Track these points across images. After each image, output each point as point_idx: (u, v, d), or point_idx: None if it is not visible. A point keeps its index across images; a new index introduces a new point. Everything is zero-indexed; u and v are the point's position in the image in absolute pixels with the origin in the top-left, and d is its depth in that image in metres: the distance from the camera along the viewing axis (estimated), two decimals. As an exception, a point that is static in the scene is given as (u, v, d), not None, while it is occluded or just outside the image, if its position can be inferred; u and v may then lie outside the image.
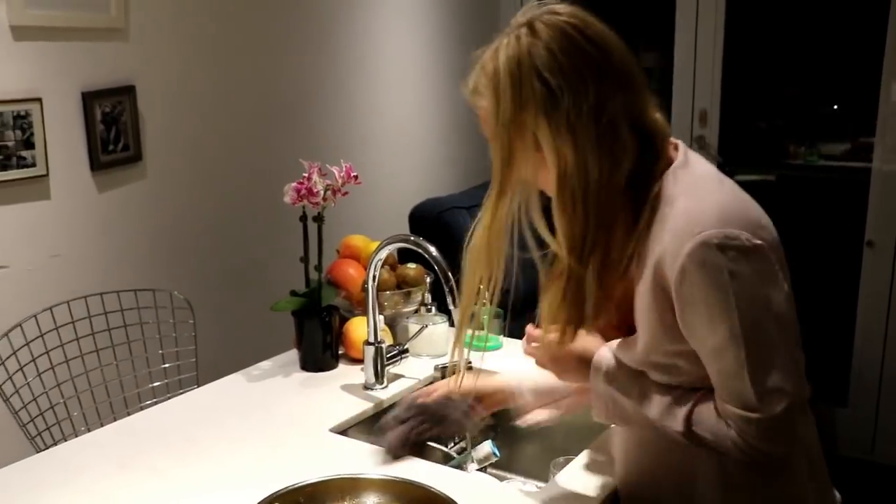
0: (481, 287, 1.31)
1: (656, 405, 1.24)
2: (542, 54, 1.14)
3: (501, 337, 2.13)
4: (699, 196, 1.16)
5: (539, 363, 1.41)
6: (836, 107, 4.47)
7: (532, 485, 1.70)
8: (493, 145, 1.22)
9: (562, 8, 1.19)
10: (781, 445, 1.18)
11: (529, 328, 1.41)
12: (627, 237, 1.21)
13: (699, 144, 3.75)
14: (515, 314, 1.56)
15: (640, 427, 1.32)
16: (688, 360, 1.21)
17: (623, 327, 1.31)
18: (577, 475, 1.49)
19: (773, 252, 1.15)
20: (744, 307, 1.11)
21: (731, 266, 1.10)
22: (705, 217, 1.12)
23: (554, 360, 1.37)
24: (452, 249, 2.28)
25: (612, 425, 1.47)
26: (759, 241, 1.12)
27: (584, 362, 1.33)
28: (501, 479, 1.78)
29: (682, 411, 1.21)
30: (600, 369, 1.31)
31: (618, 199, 1.18)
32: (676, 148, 1.25)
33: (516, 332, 1.77)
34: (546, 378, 1.47)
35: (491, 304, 1.37)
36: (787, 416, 1.15)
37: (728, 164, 3.70)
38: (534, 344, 1.39)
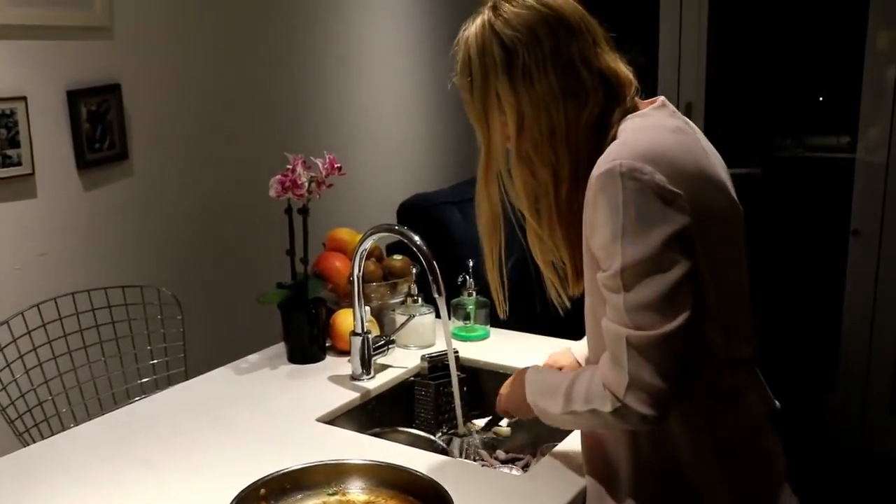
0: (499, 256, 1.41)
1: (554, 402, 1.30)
2: (499, 23, 1.26)
3: (488, 327, 2.14)
4: (636, 137, 1.21)
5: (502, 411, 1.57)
6: (821, 98, 4.49)
7: (517, 470, 1.71)
8: (471, 117, 1.33)
9: None
10: (653, 401, 1.13)
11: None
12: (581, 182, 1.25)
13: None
14: (524, 295, 1.61)
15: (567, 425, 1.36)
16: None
17: None
18: (560, 462, 1.50)
19: (691, 211, 1.15)
20: (630, 242, 1.13)
21: (628, 196, 1.13)
22: (625, 151, 1.17)
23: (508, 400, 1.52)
24: (442, 244, 2.29)
25: None
26: (673, 188, 1.13)
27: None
28: (490, 465, 1.79)
29: (560, 392, 1.26)
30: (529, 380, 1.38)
31: (584, 141, 1.26)
32: (654, 102, 1.30)
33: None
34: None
35: (503, 272, 1.42)
36: (662, 353, 1.12)
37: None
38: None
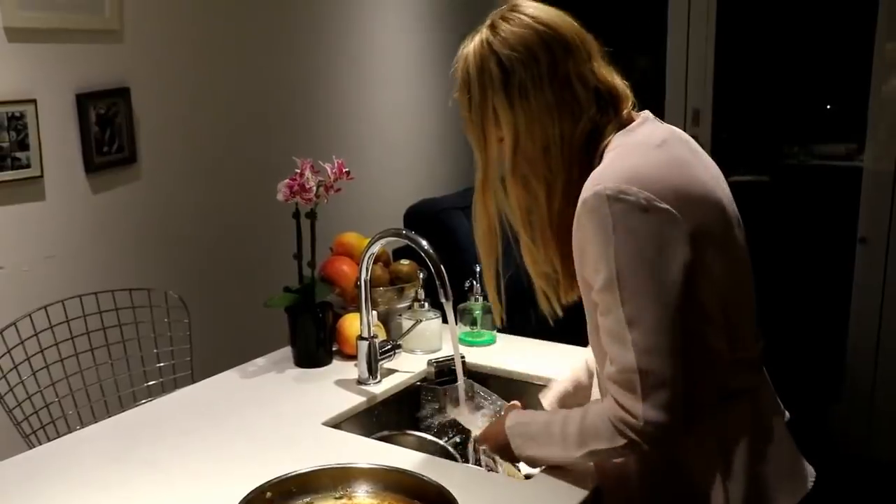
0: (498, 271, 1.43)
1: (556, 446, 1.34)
2: (497, 42, 1.29)
3: (495, 332, 2.14)
4: (621, 159, 1.23)
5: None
6: (828, 106, 4.48)
7: (523, 476, 1.71)
8: (468, 133, 1.35)
9: (521, 3, 1.32)
10: (667, 411, 1.16)
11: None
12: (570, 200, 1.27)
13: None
14: (519, 305, 1.59)
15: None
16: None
17: None
18: (564, 469, 1.49)
19: (683, 222, 1.17)
20: (622, 260, 1.16)
21: (616, 217, 1.16)
22: (609, 174, 1.20)
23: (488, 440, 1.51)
24: (449, 250, 2.29)
25: None
26: (660, 204, 1.16)
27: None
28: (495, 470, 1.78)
29: (573, 433, 1.29)
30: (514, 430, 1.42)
31: (577, 155, 1.28)
32: (639, 118, 1.32)
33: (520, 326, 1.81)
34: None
35: (500, 283, 1.45)
36: (667, 373, 1.16)
37: (722, 164, 3.71)
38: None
